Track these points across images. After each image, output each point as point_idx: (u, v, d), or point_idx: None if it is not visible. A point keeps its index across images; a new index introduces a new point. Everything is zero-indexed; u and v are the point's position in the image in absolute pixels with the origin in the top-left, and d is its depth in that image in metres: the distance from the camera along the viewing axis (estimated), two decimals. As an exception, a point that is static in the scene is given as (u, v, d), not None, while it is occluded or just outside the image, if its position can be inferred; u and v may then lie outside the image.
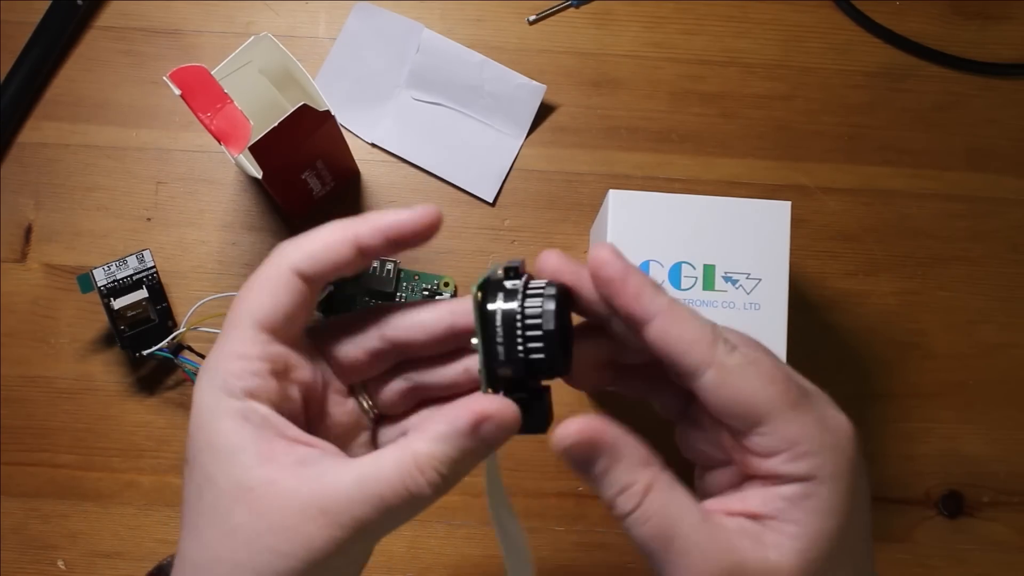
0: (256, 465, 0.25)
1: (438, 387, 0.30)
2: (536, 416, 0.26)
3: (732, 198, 0.45)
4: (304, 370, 0.28)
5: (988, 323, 0.54)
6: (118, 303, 0.50)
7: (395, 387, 0.30)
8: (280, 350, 0.27)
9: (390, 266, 0.52)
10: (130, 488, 0.51)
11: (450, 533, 0.51)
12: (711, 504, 0.26)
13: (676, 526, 0.24)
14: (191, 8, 0.56)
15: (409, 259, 0.54)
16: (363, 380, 0.30)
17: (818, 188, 0.55)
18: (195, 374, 0.49)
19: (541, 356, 0.25)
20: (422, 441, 0.25)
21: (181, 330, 0.49)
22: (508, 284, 0.26)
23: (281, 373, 0.27)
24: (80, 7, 0.55)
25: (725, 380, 0.25)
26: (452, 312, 0.28)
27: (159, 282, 0.51)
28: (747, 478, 0.26)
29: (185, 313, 0.50)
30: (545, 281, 0.26)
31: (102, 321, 0.52)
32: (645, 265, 0.44)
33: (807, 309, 0.53)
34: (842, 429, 0.26)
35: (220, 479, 0.25)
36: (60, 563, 0.50)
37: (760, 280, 0.44)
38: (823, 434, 0.25)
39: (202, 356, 0.50)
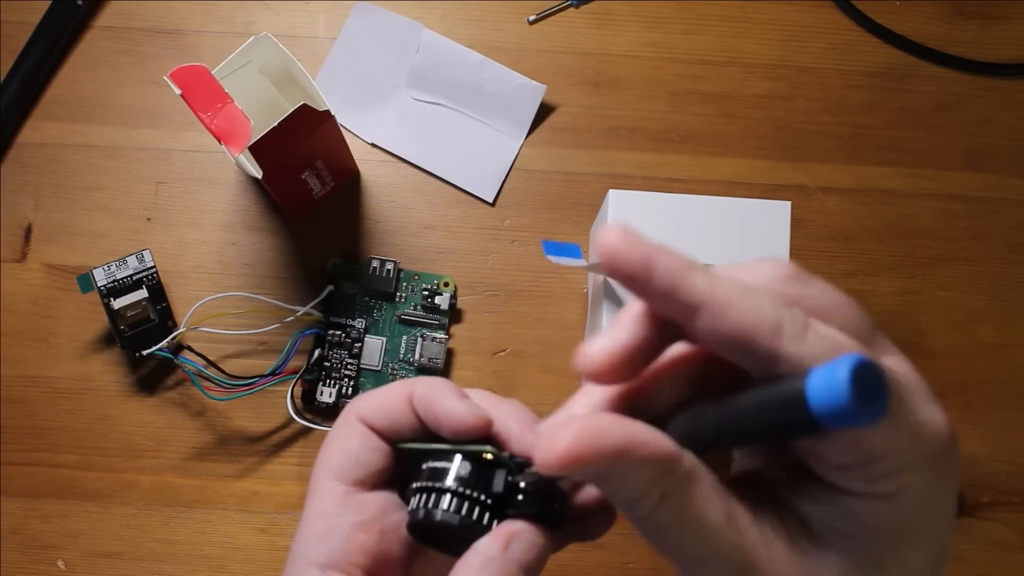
0: None
1: None
2: (553, 516, 0.25)
3: (732, 198, 0.45)
4: (402, 513, 0.27)
5: (988, 323, 0.54)
6: (118, 303, 0.50)
7: None
8: (365, 499, 0.27)
9: (390, 266, 0.52)
10: (130, 488, 0.51)
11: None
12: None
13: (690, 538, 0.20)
14: (191, 8, 0.56)
15: (409, 259, 0.54)
16: None
17: (818, 188, 0.55)
18: (195, 374, 0.49)
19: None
20: None
21: (181, 330, 0.49)
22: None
23: (371, 522, 0.26)
24: (80, 7, 0.55)
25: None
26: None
27: (159, 282, 0.51)
28: (798, 469, 0.21)
29: (185, 313, 0.50)
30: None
31: (102, 321, 0.52)
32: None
33: (807, 309, 0.53)
34: (939, 433, 0.20)
35: None
36: (60, 563, 0.50)
37: (760, 280, 0.44)
38: (915, 445, 0.19)
39: (202, 356, 0.50)
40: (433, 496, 0.25)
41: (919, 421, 0.20)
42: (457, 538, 0.25)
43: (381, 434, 0.27)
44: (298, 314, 0.50)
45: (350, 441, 0.27)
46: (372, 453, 0.27)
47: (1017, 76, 0.57)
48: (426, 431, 0.27)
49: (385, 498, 0.27)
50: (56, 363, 0.52)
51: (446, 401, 0.25)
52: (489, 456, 0.25)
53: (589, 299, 0.52)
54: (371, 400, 0.27)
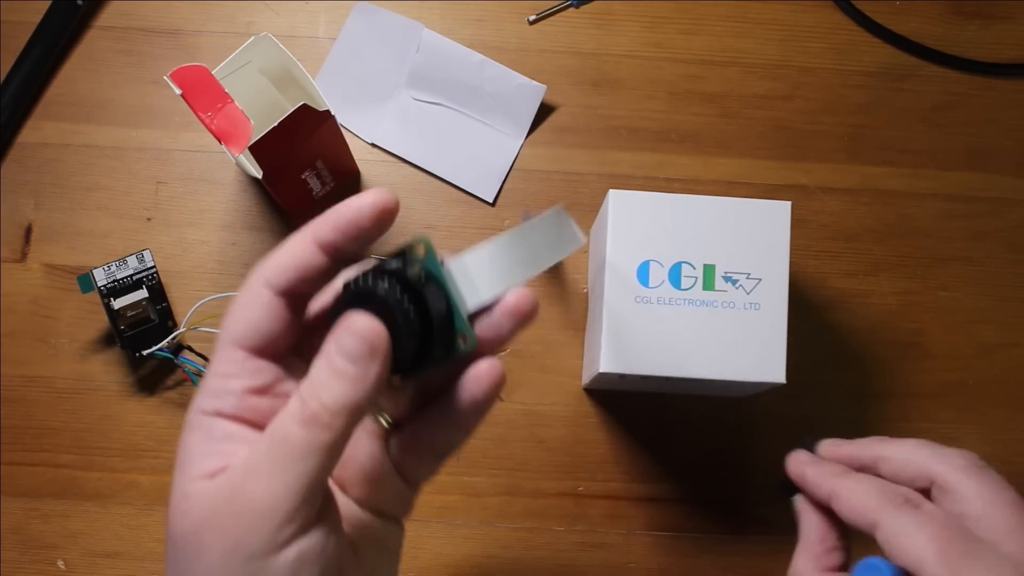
0: (200, 476, 0.25)
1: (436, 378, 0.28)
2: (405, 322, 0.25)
3: (732, 198, 0.45)
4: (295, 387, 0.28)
5: (988, 323, 0.54)
6: (118, 303, 0.50)
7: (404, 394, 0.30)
8: (262, 366, 0.27)
9: (390, 266, 0.52)
10: (130, 488, 0.51)
11: (450, 533, 0.51)
12: None
13: None
14: (191, 8, 0.56)
15: (409, 259, 0.54)
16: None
17: (818, 188, 0.55)
18: (195, 374, 0.49)
19: None
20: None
21: (181, 330, 0.49)
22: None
23: (265, 390, 0.27)
24: (80, 7, 0.55)
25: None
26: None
27: (159, 282, 0.51)
28: None
29: (185, 313, 0.50)
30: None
31: (102, 321, 0.52)
32: (645, 265, 0.44)
33: (807, 309, 0.53)
34: None
35: (175, 486, 0.26)
36: (60, 563, 0.50)
37: (760, 280, 0.44)
38: None
39: (202, 356, 0.50)
40: (361, 277, 0.26)
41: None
42: None
43: (291, 292, 0.27)
44: (298, 314, 0.50)
45: (252, 310, 0.27)
46: (273, 322, 0.27)
47: (1017, 76, 0.57)
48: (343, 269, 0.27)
49: (275, 369, 0.27)
50: (56, 363, 0.52)
51: (351, 203, 0.26)
52: (420, 249, 0.25)
53: (589, 299, 0.52)
54: (275, 260, 0.27)
